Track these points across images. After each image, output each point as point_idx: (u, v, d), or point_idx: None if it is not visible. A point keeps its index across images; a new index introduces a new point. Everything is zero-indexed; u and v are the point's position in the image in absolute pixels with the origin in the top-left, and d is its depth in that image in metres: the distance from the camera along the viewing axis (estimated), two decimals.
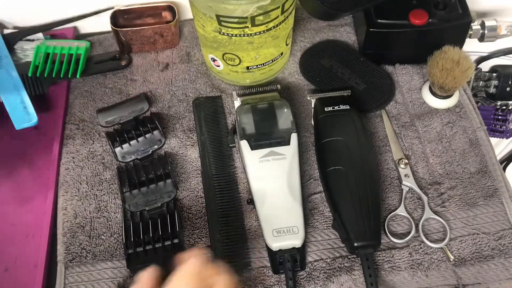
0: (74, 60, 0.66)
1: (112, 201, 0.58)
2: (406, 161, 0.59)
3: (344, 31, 0.71)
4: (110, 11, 0.68)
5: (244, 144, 0.53)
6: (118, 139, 0.60)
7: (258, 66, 0.62)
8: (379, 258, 0.53)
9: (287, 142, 0.53)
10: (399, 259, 0.53)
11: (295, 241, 0.50)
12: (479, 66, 0.79)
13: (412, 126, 0.62)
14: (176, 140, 0.62)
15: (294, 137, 0.53)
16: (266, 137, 0.53)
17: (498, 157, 0.99)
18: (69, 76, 0.65)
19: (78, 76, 0.66)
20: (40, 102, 0.66)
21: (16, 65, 0.64)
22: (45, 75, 0.65)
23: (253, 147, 0.52)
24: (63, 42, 0.67)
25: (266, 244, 0.52)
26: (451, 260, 0.53)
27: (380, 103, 0.64)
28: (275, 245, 0.50)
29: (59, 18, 0.70)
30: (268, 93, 0.60)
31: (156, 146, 0.60)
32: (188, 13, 0.72)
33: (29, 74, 0.64)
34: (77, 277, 0.53)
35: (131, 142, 0.60)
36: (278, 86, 0.60)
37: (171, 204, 0.57)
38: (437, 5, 0.61)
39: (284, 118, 0.55)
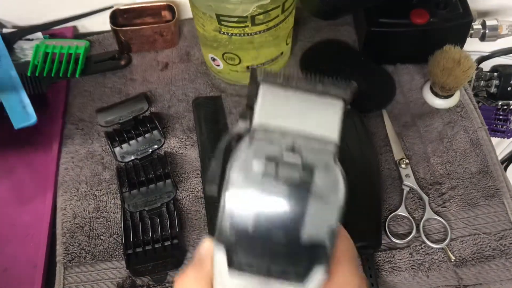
0: (73, 59, 0.66)
1: (112, 201, 0.58)
2: (407, 161, 0.58)
3: (345, 31, 0.71)
4: (110, 10, 0.67)
5: (219, 258, 0.24)
6: (117, 139, 0.60)
7: (258, 65, 0.62)
8: (379, 258, 0.53)
9: (301, 276, 0.24)
10: (400, 259, 0.53)
11: None
12: (480, 65, 0.79)
13: (413, 126, 0.62)
14: (176, 140, 0.62)
15: (318, 272, 0.24)
16: (265, 251, 0.24)
17: (499, 157, 0.99)
18: (68, 75, 0.65)
19: (77, 75, 0.66)
20: (39, 101, 0.66)
21: (15, 64, 0.64)
22: (44, 75, 0.65)
23: (232, 266, 0.24)
24: (62, 41, 0.67)
25: None
26: (452, 260, 0.53)
27: (380, 103, 0.63)
28: None
29: (58, 17, 0.70)
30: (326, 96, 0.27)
31: (155, 146, 0.60)
32: (188, 13, 0.72)
33: (28, 74, 0.64)
34: (76, 278, 0.53)
35: (131, 142, 0.60)
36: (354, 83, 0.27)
37: (170, 204, 0.57)
38: (438, 4, 0.61)
39: (322, 211, 0.24)
